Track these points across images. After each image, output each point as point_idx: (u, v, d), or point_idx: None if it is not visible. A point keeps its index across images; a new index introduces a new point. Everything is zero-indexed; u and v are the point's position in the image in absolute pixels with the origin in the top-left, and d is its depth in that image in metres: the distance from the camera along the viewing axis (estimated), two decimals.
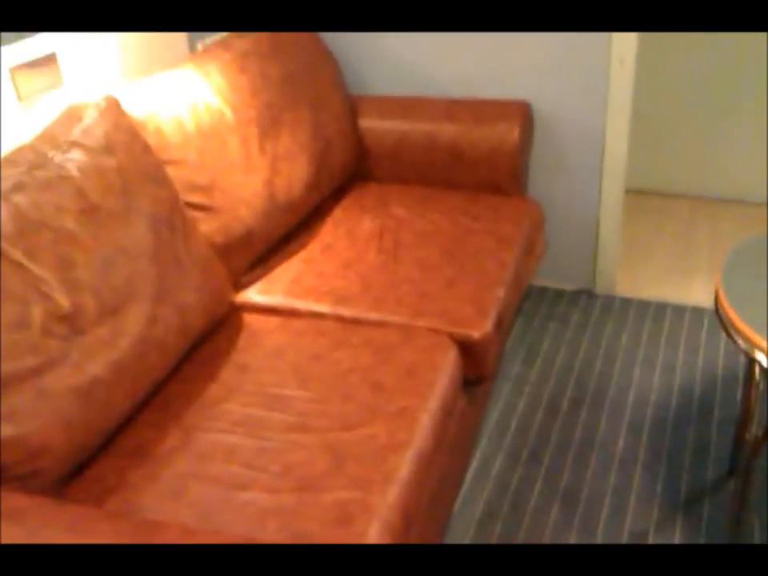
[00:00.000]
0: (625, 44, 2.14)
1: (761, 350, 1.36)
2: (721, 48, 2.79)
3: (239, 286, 1.88)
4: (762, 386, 1.44)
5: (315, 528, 1.22)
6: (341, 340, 1.66)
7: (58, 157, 1.47)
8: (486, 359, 1.71)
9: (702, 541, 1.69)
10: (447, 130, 2.25)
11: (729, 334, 1.44)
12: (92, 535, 1.02)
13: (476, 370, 1.71)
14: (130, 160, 1.59)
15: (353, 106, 2.35)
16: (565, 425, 2.05)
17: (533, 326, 2.43)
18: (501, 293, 1.82)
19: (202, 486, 1.30)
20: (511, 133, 2.19)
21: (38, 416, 1.24)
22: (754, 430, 1.44)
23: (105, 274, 1.43)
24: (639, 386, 2.16)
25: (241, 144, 1.91)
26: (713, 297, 2.49)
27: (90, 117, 1.58)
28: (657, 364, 2.23)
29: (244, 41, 2.08)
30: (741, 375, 2.16)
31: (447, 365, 1.60)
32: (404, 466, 1.35)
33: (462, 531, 1.77)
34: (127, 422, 1.46)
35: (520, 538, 1.74)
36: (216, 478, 1.31)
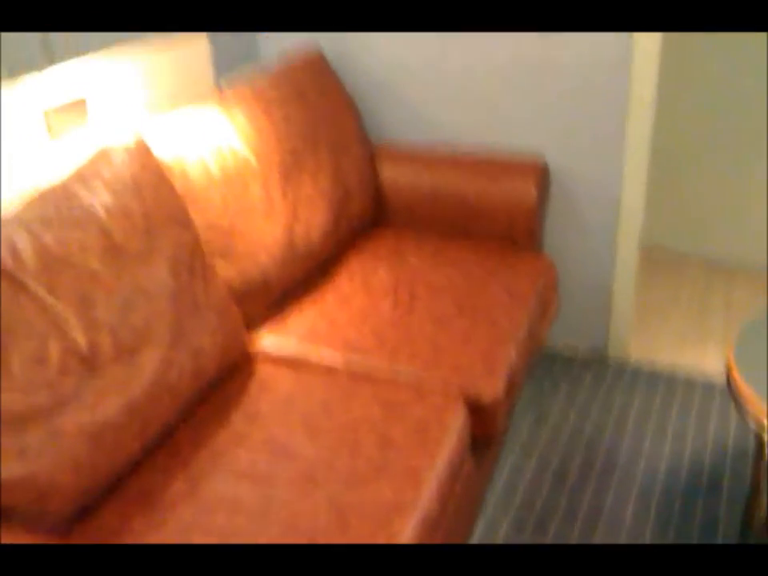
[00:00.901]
0: (645, 90, 2.15)
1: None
2: (743, 108, 2.81)
3: (253, 332, 1.89)
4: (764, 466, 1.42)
5: None
6: (352, 393, 1.66)
7: (86, 197, 1.49)
8: (495, 421, 1.70)
9: None
10: (465, 183, 2.27)
11: (739, 411, 1.43)
12: None
13: (485, 431, 1.70)
14: (156, 202, 1.61)
15: (372, 153, 2.38)
16: (573, 492, 2.02)
17: (543, 389, 2.42)
18: (513, 352, 1.81)
19: (206, 538, 1.29)
20: (528, 190, 2.21)
21: (49, 456, 1.24)
22: (764, 512, 1.42)
23: (124, 315, 1.44)
24: (649, 455, 2.14)
25: (263, 189, 1.93)
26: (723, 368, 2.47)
27: (118, 158, 1.60)
28: (668, 434, 2.21)
29: (268, 82, 2.11)
30: (750, 450, 2.13)
31: (456, 424, 1.59)
32: (408, 528, 1.34)
33: None
34: (135, 465, 1.46)
35: None
36: (220, 530, 1.30)
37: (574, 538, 1.88)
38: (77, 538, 1.30)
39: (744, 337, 1.57)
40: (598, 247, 2.39)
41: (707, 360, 2.52)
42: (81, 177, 1.55)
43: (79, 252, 1.43)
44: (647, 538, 1.87)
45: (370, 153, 2.36)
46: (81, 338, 1.36)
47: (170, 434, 1.54)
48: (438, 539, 1.45)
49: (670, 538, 1.87)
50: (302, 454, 1.47)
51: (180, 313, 1.55)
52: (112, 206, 1.52)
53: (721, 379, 2.42)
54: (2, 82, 1.62)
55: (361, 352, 1.80)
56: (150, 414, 1.43)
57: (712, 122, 2.86)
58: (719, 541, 1.85)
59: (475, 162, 2.29)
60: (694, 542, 1.86)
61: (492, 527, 1.92)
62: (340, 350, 1.81)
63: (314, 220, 2.05)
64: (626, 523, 1.92)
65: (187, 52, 2.15)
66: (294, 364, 1.79)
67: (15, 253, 1.34)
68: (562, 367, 2.51)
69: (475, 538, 1.89)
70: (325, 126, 2.18)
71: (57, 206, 1.46)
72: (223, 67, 2.36)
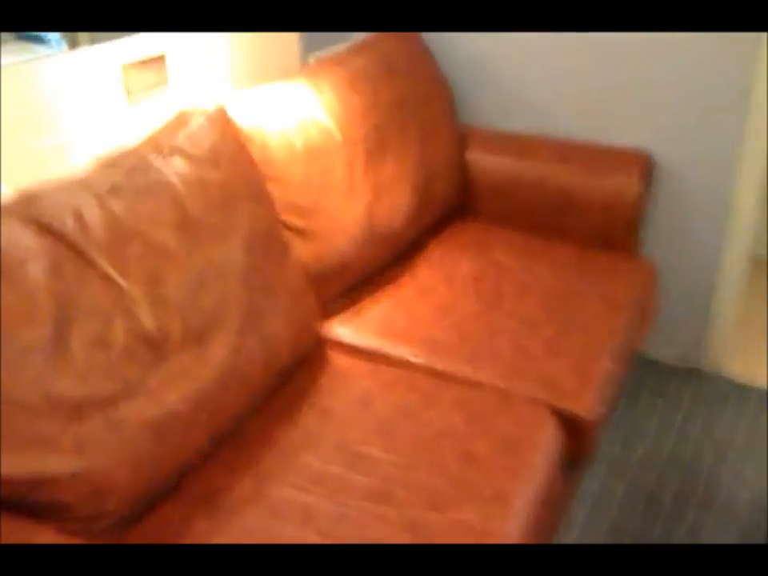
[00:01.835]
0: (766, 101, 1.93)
1: None
2: None
3: (327, 318, 1.75)
4: None
5: None
6: (433, 397, 1.51)
7: (161, 164, 1.36)
8: (590, 442, 1.53)
9: None
10: (561, 174, 2.08)
11: None
12: None
13: (578, 450, 1.53)
14: (234, 174, 1.48)
15: (462, 137, 2.20)
16: (667, 525, 1.83)
17: (638, 402, 2.22)
18: (609, 364, 1.64)
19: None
20: (630, 186, 2.01)
21: (107, 450, 1.12)
22: None
23: (194, 296, 1.31)
24: (753, 487, 1.93)
25: (346, 166, 1.78)
26: None
27: (196, 124, 1.47)
28: None
29: (358, 58, 1.96)
30: None
31: (549, 444, 1.43)
32: None
33: None
34: (200, 461, 1.33)
35: None
36: (287, 541, 1.17)
37: None
38: (135, 539, 1.18)
39: None
40: (702, 254, 2.17)
41: None
42: (155, 142, 1.42)
43: (150, 224, 1.31)
44: None
45: (460, 137, 2.19)
46: (148, 321, 1.23)
47: (238, 427, 1.41)
48: None
49: None
50: (377, 465, 1.33)
51: (253, 295, 1.42)
52: (188, 176, 1.39)
53: None
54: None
55: (441, 350, 1.65)
56: (218, 406, 1.30)
57: None
58: None
59: (574, 152, 2.09)
60: None
61: None
62: (418, 346, 1.66)
63: (396, 202, 1.90)
64: None
65: None
66: (369, 357, 1.65)
67: (81, 221, 1.22)
68: (655, 379, 2.30)
69: None
70: (414, 105, 2.01)
71: (128, 173, 1.34)
72: (312, 45, 2.19)
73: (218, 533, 1.20)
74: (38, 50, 1.48)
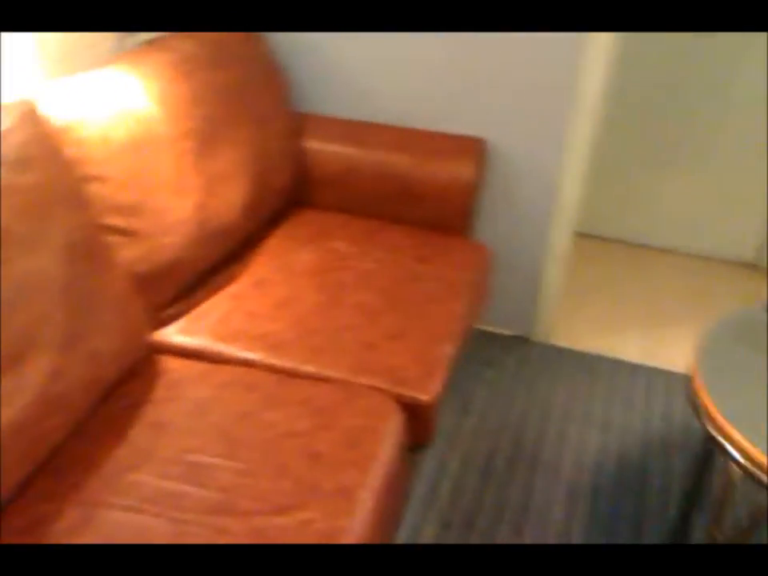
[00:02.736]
0: (591, 87, 2.04)
1: (734, 444, 1.27)
2: (675, 103, 2.75)
3: (160, 323, 1.68)
4: (732, 482, 1.36)
5: None
6: (274, 396, 1.48)
7: None
8: (432, 425, 1.57)
9: None
10: (398, 161, 2.10)
11: (701, 422, 1.35)
12: None
13: (420, 436, 1.57)
14: (47, 177, 1.37)
15: (299, 125, 2.17)
16: (499, 488, 1.93)
17: (467, 372, 2.31)
18: (450, 349, 1.68)
19: None
20: (466, 170, 2.06)
21: None
22: (728, 529, 1.36)
23: (5, 315, 1.21)
24: (576, 446, 2.07)
25: (174, 160, 1.70)
26: (648, 352, 2.44)
27: (2, 124, 1.35)
28: (593, 422, 2.15)
29: (186, 43, 1.87)
30: (678, 441, 2.10)
31: (392, 433, 1.45)
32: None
33: None
34: (21, 493, 1.24)
35: None
36: None
37: (501, 536, 1.79)
38: None
39: (708, 343, 1.48)
40: (532, 232, 2.27)
41: (628, 346, 2.48)
42: None
43: None
44: (575, 537, 1.80)
45: (297, 126, 2.15)
46: None
47: (59, 453, 1.32)
48: None
49: (599, 536, 1.81)
50: (217, 475, 1.30)
51: (73, 310, 1.33)
52: None
53: (643, 365, 2.38)
54: None
55: (282, 346, 1.63)
56: (38, 433, 1.21)
57: (656, 111, 2.79)
58: (649, 539, 1.80)
59: (411, 140, 2.11)
60: (624, 539, 1.80)
61: (417, 527, 1.81)
62: (258, 343, 1.63)
63: (230, 196, 1.84)
64: (553, 520, 1.85)
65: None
66: (205, 360, 1.60)
67: None
68: (486, 351, 2.41)
69: (401, 539, 1.78)
70: (247, 93, 1.95)
71: None
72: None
73: None
74: None
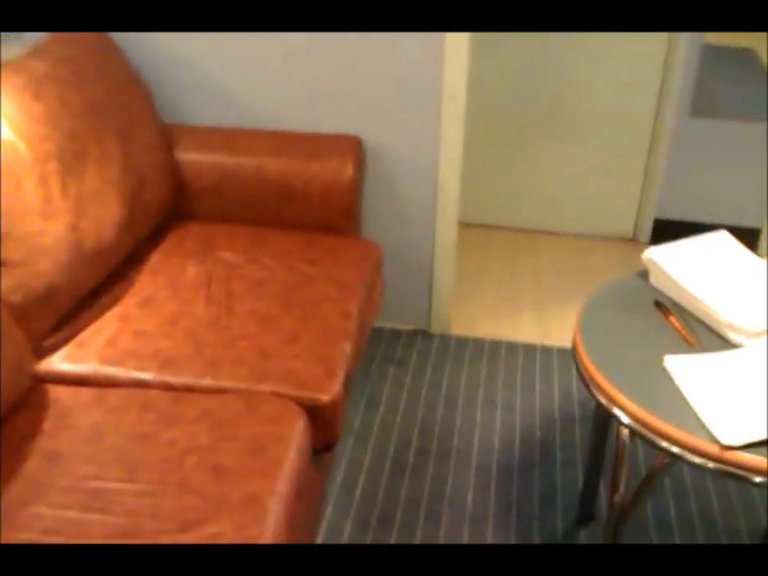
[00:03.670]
0: (456, 79, 2.10)
1: (621, 407, 1.32)
2: (542, 86, 2.85)
3: (42, 353, 1.59)
4: (621, 444, 1.41)
5: None
6: (172, 414, 1.43)
7: None
8: (336, 423, 1.56)
9: None
10: (276, 165, 2.08)
11: (587, 386, 1.40)
12: None
13: (325, 436, 1.55)
14: None
15: (168, 137, 2.11)
16: (413, 480, 1.94)
17: (371, 371, 2.32)
18: (348, 347, 1.68)
19: None
20: (344, 169, 2.06)
21: None
22: (621, 490, 1.40)
23: None
24: (482, 430, 2.11)
25: (38, 184, 1.62)
26: (541, 332, 2.52)
27: None
28: (497, 405, 2.20)
29: (39, 64, 1.79)
30: (577, 414, 2.17)
31: (296, 436, 1.43)
32: None
33: None
34: None
35: None
36: None
37: (420, 527, 1.80)
38: None
39: (588, 313, 1.54)
40: (418, 226, 2.31)
41: (524, 327, 2.55)
42: None
43: None
44: (490, 520, 1.83)
45: (166, 138, 2.09)
46: None
47: None
48: None
49: (512, 516, 1.84)
50: (118, 499, 1.24)
51: None
52: None
53: (539, 344, 2.45)
54: None
55: (174, 363, 1.58)
56: None
57: (520, 96, 2.88)
58: (559, 513, 1.85)
59: (287, 143, 2.10)
60: (536, 516, 1.84)
61: (336, 527, 1.79)
62: (149, 362, 1.58)
63: (103, 215, 1.77)
64: (468, 506, 1.87)
65: None
66: (95, 386, 1.53)
67: None
68: (387, 346, 2.42)
69: (320, 540, 1.75)
70: (109, 109, 1.88)
71: None
72: None
73: None
74: None
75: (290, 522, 1.31)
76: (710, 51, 2.77)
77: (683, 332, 1.45)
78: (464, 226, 3.11)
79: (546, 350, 2.42)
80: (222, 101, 2.20)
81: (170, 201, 2.08)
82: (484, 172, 3.04)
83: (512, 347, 2.44)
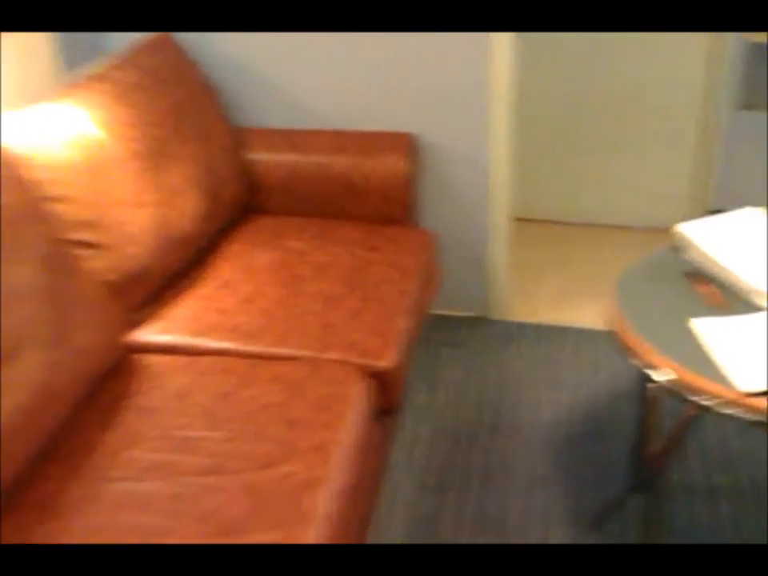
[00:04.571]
0: (503, 78, 2.24)
1: (656, 368, 1.43)
2: (596, 82, 2.97)
3: (134, 325, 1.80)
4: (659, 404, 1.51)
5: None
6: (249, 377, 1.62)
7: None
8: (395, 389, 1.71)
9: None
10: (337, 162, 2.26)
11: (625, 354, 1.51)
12: None
13: (387, 400, 1.71)
14: (14, 199, 1.50)
15: (241, 139, 2.32)
16: (470, 451, 2.08)
17: (433, 355, 2.46)
18: (405, 323, 1.83)
19: (120, 538, 1.22)
20: (399, 164, 2.23)
21: None
22: (653, 447, 1.51)
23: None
24: (545, 407, 2.22)
25: (128, 178, 1.84)
26: (601, 318, 2.62)
27: None
28: (559, 386, 2.31)
29: (124, 73, 2.01)
30: (636, 393, 2.27)
31: (358, 397, 1.59)
32: (322, 503, 1.32)
33: None
34: (25, 478, 1.35)
35: None
36: (134, 529, 1.24)
37: (475, 492, 1.93)
38: None
39: (623, 286, 1.65)
40: (473, 216, 2.45)
41: (583, 314, 2.65)
42: None
43: None
44: (546, 487, 1.95)
45: (240, 141, 2.30)
46: None
47: (56, 441, 1.44)
48: (351, 510, 1.44)
49: (570, 484, 1.95)
50: (204, 444, 1.42)
51: (57, 312, 1.45)
52: None
53: (599, 329, 2.55)
54: None
55: (251, 335, 1.76)
56: (36, 421, 1.33)
57: (574, 94, 3.00)
58: (615, 482, 1.96)
59: (346, 141, 2.28)
60: (593, 484, 1.95)
61: (397, 488, 1.94)
62: (229, 334, 1.76)
63: (186, 207, 1.98)
64: (522, 473, 1.99)
65: (23, 47, 2.01)
66: (183, 354, 1.72)
67: None
68: (449, 333, 2.56)
69: (383, 500, 1.91)
70: (187, 111, 2.10)
71: None
72: (72, 60, 2.21)
73: (57, 537, 1.24)
74: None
75: (353, 471, 1.47)
76: (756, 47, 2.84)
77: (713, 296, 1.55)
78: (522, 221, 3.24)
79: (609, 334, 2.51)
80: (285, 104, 2.40)
81: (244, 197, 2.28)
82: (540, 169, 3.16)
83: (574, 331, 2.54)
